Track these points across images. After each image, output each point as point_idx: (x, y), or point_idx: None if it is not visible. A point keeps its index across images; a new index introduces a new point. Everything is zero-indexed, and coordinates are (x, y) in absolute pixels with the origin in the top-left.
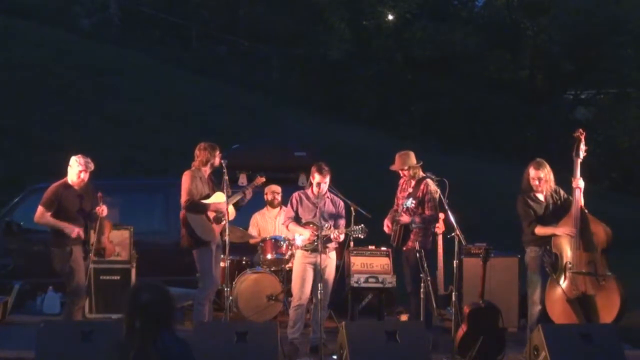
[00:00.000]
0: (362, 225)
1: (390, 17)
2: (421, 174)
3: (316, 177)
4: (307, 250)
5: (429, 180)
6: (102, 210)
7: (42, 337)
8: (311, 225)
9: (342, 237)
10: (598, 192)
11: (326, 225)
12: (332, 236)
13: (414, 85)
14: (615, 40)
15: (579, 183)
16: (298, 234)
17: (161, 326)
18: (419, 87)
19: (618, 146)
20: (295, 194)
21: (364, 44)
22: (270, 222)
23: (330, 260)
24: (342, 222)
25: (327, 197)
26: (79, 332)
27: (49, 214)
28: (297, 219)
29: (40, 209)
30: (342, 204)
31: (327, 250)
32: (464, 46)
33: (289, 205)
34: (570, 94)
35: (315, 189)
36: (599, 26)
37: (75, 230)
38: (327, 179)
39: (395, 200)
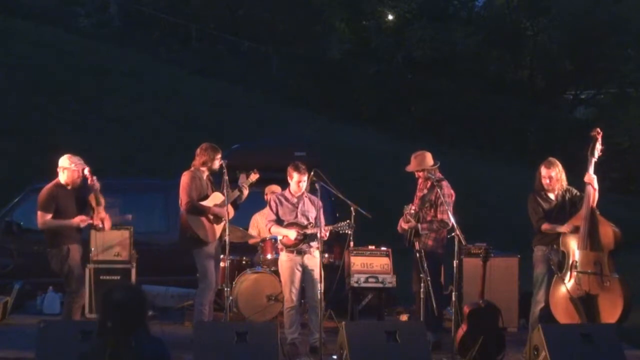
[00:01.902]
0: (349, 220)
1: (390, 17)
2: (438, 175)
3: (295, 176)
4: (291, 252)
5: (444, 183)
6: (94, 181)
7: (42, 337)
8: (294, 226)
9: (327, 234)
10: (598, 191)
11: (308, 224)
12: (318, 234)
13: (414, 85)
14: (615, 40)
15: (590, 178)
16: (281, 236)
17: (135, 325)
18: (419, 87)
19: (618, 146)
20: (273, 196)
21: (364, 44)
22: None
23: (315, 260)
24: (322, 220)
25: (305, 197)
26: (79, 332)
27: (50, 216)
28: (278, 221)
29: (39, 214)
30: (319, 202)
31: (311, 250)
32: (464, 46)
33: (268, 208)
34: (570, 94)
35: (293, 187)
36: (599, 26)
37: (80, 220)
38: (306, 177)
39: (415, 200)
